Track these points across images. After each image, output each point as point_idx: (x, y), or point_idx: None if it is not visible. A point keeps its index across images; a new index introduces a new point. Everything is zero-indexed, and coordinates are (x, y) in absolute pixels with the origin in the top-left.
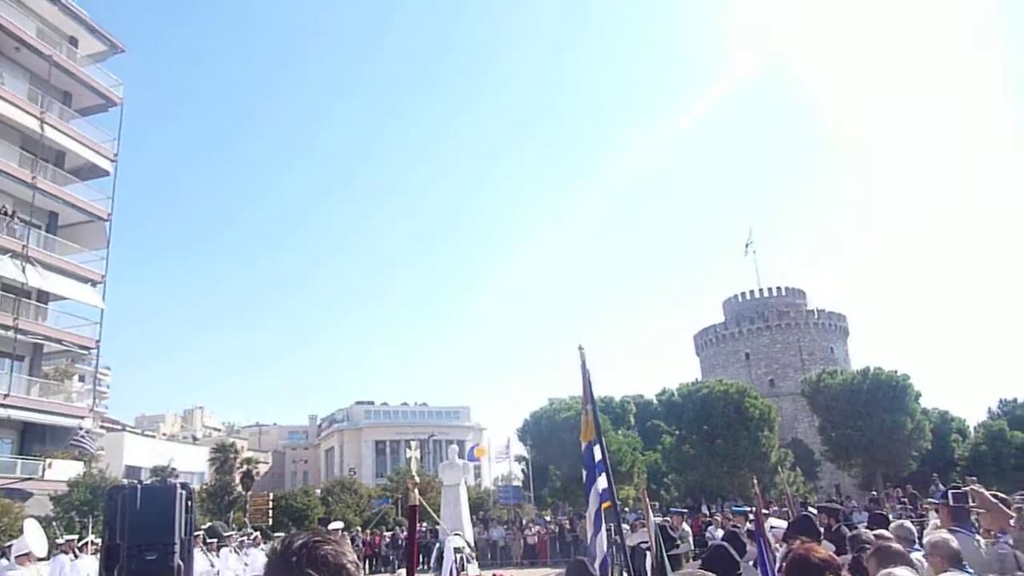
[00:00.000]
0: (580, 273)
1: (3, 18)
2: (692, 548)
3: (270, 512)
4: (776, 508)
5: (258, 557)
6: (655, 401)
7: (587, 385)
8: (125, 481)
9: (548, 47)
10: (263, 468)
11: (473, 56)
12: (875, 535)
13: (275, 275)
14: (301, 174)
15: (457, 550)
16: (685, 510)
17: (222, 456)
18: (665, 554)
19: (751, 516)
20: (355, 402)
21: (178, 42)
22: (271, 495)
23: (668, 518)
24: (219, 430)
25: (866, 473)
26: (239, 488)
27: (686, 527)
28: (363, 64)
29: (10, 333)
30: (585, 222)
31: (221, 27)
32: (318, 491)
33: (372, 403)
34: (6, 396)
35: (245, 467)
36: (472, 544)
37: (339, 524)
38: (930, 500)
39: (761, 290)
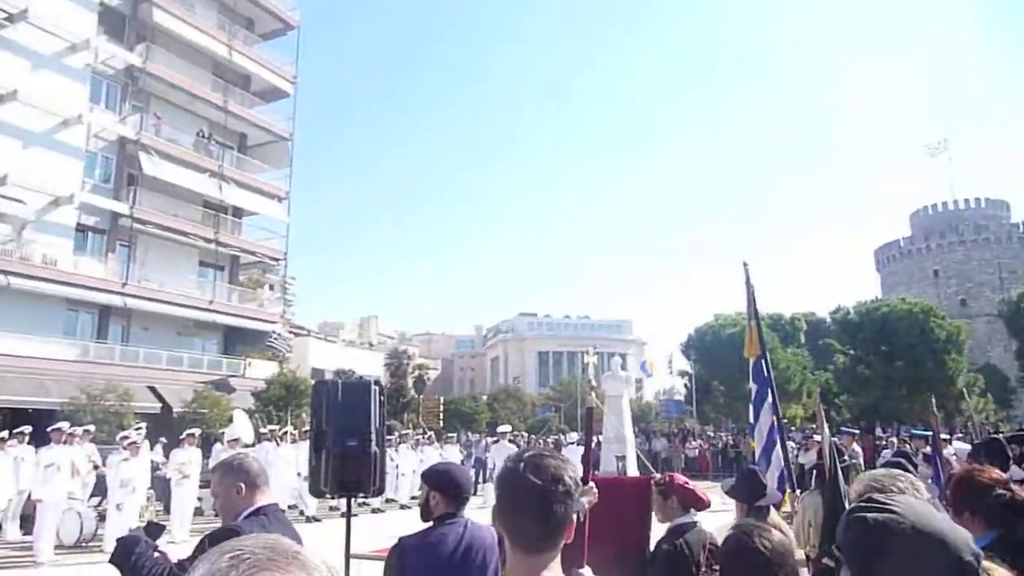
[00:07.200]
0: (750, 181)
1: None
2: (862, 468)
3: (441, 415)
4: (961, 435)
5: (432, 455)
6: (828, 319)
7: (751, 300)
8: (328, 376)
9: None
10: (433, 374)
11: None
12: None
13: (443, 188)
14: (475, 86)
15: (618, 458)
16: (857, 431)
17: (396, 362)
18: (839, 468)
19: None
20: (519, 313)
21: None
22: (441, 399)
23: (838, 438)
24: (392, 338)
25: None
26: (412, 392)
27: (857, 448)
28: None
29: (212, 245)
30: (754, 125)
31: None
32: (484, 397)
33: (535, 315)
34: (211, 302)
35: (417, 372)
36: (637, 455)
37: (507, 427)
38: None
39: (956, 201)
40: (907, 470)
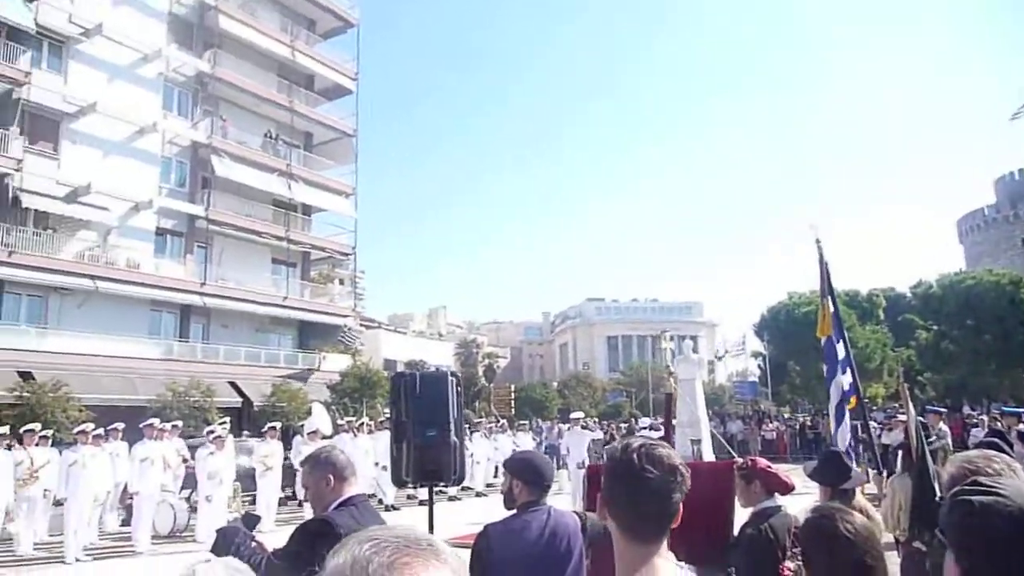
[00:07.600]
0: (823, 152)
1: None
2: (951, 449)
3: (512, 402)
4: None
5: (505, 442)
6: (908, 294)
7: (825, 278)
8: (400, 367)
9: None
10: (502, 362)
11: None
12: None
13: (505, 175)
14: (533, 72)
15: (694, 441)
16: (944, 409)
17: (466, 351)
18: (927, 448)
19: None
20: (586, 299)
21: None
22: (512, 387)
23: (924, 417)
24: (460, 327)
25: None
26: (483, 380)
27: (944, 427)
28: None
29: (283, 243)
30: (825, 93)
31: None
32: (555, 384)
33: (603, 299)
34: (285, 298)
35: (487, 361)
36: (712, 435)
37: (580, 414)
38: None
39: None
40: (1002, 450)
